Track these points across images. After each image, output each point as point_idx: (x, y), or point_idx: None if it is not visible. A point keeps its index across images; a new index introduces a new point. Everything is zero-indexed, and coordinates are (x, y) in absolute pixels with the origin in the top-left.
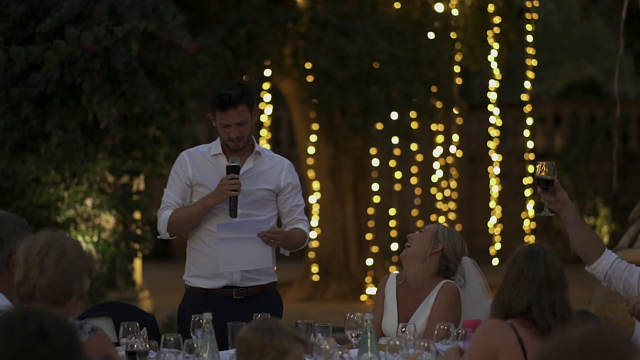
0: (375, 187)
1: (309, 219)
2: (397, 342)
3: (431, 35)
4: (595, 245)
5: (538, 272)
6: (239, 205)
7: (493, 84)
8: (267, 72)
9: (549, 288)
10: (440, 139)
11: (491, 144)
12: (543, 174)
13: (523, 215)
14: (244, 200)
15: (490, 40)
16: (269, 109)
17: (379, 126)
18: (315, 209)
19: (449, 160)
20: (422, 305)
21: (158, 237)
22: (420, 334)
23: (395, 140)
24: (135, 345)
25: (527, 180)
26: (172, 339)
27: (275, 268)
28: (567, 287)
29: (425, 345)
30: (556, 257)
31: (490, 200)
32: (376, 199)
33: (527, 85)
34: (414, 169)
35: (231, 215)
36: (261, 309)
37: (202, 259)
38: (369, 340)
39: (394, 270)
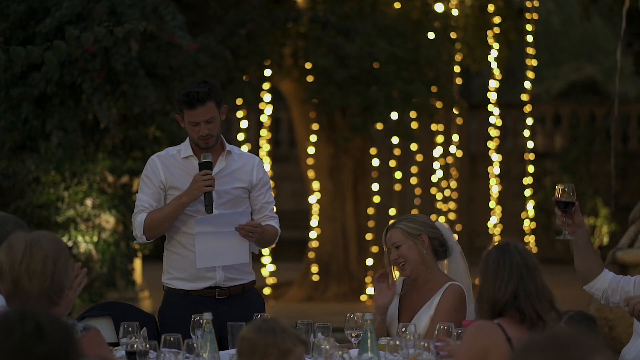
0: (375, 187)
1: (309, 219)
2: (397, 342)
3: (431, 35)
4: (597, 268)
5: (515, 261)
6: (214, 205)
7: (493, 84)
8: (267, 72)
9: (529, 273)
10: (440, 139)
11: (491, 144)
12: (562, 196)
13: (523, 215)
14: (219, 200)
15: (490, 40)
16: (269, 109)
17: (379, 126)
18: (315, 209)
19: (449, 160)
20: (426, 306)
21: (134, 242)
22: (422, 334)
23: (395, 140)
24: (135, 345)
25: (527, 180)
26: (172, 339)
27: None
28: (542, 273)
29: (425, 345)
30: (525, 247)
31: (490, 200)
32: (376, 199)
33: (527, 85)
34: (414, 169)
35: (207, 212)
36: (243, 308)
37: (182, 262)
38: (369, 340)
39: (394, 270)
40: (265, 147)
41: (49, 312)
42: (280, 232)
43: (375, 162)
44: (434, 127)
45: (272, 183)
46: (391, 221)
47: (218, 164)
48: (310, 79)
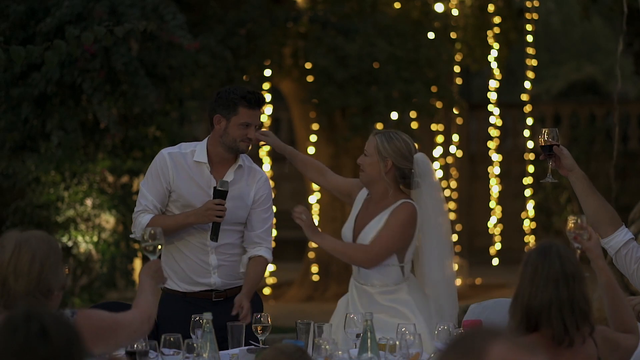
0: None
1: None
2: (397, 342)
3: (431, 35)
4: (607, 216)
5: (553, 268)
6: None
7: (493, 84)
8: (267, 72)
9: (566, 283)
10: (440, 139)
11: (491, 144)
12: (545, 140)
13: (523, 215)
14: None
15: (490, 40)
16: (269, 109)
17: (379, 126)
18: (315, 209)
19: (449, 160)
20: (375, 219)
21: (131, 236)
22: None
23: None
24: (135, 345)
25: (527, 180)
26: (172, 339)
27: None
28: (584, 280)
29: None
30: (569, 251)
31: (490, 200)
32: None
33: (527, 85)
34: None
35: (211, 239)
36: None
37: (181, 264)
38: (369, 340)
39: None
40: (265, 147)
41: (55, 312)
42: (280, 233)
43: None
44: (434, 127)
45: (272, 183)
46: (379, 126)
47: (227, 175)
48: (310, 79)
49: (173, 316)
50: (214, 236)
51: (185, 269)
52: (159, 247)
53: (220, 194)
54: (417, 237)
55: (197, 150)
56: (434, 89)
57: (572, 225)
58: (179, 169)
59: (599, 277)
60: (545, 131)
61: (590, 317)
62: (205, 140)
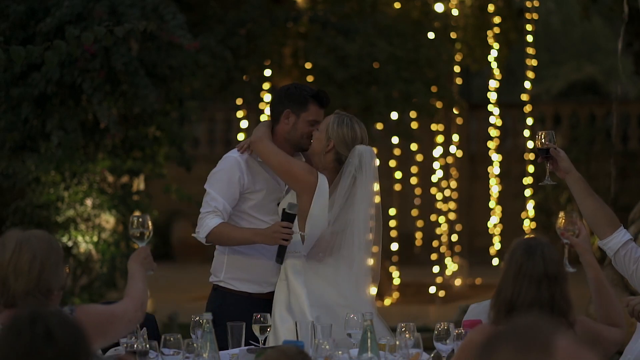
0: (375, 187)
1: None
2: (397, 342)
3: (431, 35)
4: (605, 217)
5: (537, 270)
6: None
7: (493, 84)
8: (267, 72)
9: (548, 284)
10: (440, 139)
11: (491, 144)
12: (541, 143)
13: (523, 215)
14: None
15: (490, 40)
16: (269, 109)
17: (379, 126)
18: None
19: (449, 160)
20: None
21: (193, 235)
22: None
23: (395, 140)
24: (135, 345)
25: (527, 180)
26: (172, 339)
27: None
28: (567, 280)
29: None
30: (553, 250)
31: (490, 200)
32: (376, 199)
33: (527, 85)
34: (414, 169)
35: (277, 261)
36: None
37: (251, 262)
38: (369, 340)
39: (394, 270)
40: None
41: (62, 314)
42: None
43: (376, 162)
44: (434, 127)
45: None
46: (379, 126)
47: None
48: (310, 79)
49: (238, 316)
50: (279, 258)
51: (261, 270)
52: (147, 234)
53: (288, 216)
54: (320, 211)
55: None
56: (434, 89)
57: (562, 221)
58: (252, 170)
59: (587, 271)
60: (542, 134)
61: (570, 314)
62: None
